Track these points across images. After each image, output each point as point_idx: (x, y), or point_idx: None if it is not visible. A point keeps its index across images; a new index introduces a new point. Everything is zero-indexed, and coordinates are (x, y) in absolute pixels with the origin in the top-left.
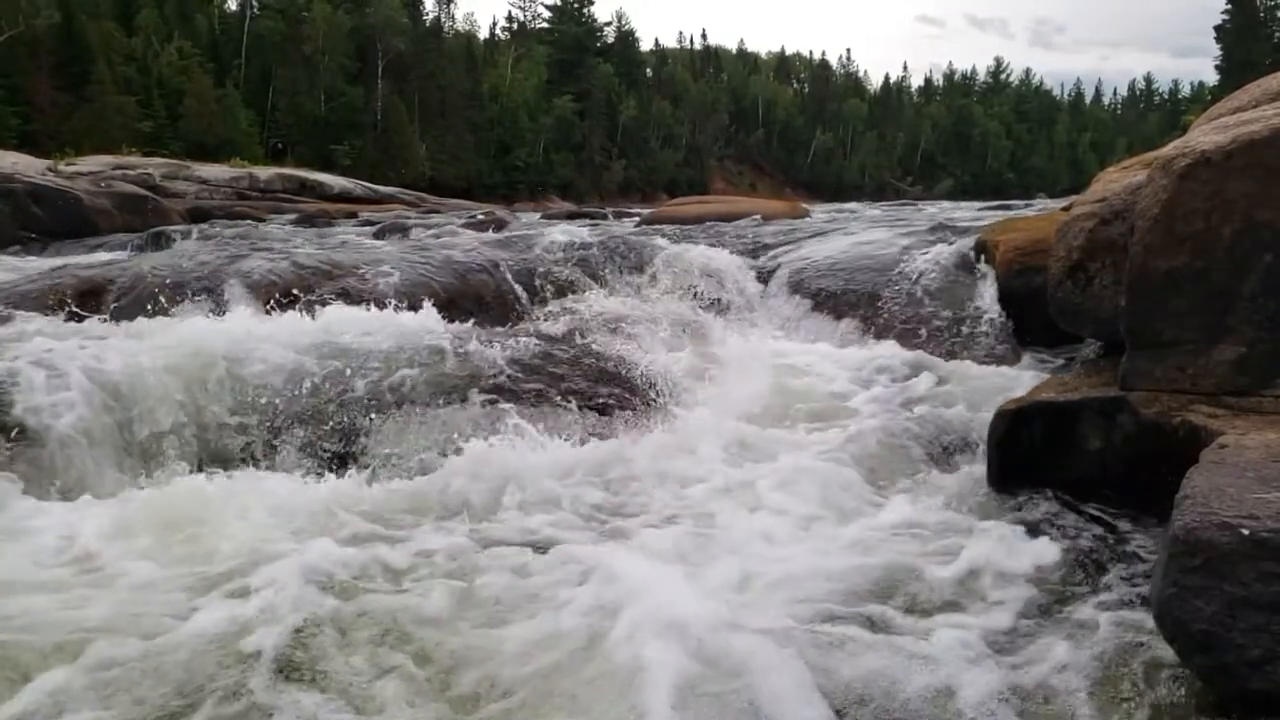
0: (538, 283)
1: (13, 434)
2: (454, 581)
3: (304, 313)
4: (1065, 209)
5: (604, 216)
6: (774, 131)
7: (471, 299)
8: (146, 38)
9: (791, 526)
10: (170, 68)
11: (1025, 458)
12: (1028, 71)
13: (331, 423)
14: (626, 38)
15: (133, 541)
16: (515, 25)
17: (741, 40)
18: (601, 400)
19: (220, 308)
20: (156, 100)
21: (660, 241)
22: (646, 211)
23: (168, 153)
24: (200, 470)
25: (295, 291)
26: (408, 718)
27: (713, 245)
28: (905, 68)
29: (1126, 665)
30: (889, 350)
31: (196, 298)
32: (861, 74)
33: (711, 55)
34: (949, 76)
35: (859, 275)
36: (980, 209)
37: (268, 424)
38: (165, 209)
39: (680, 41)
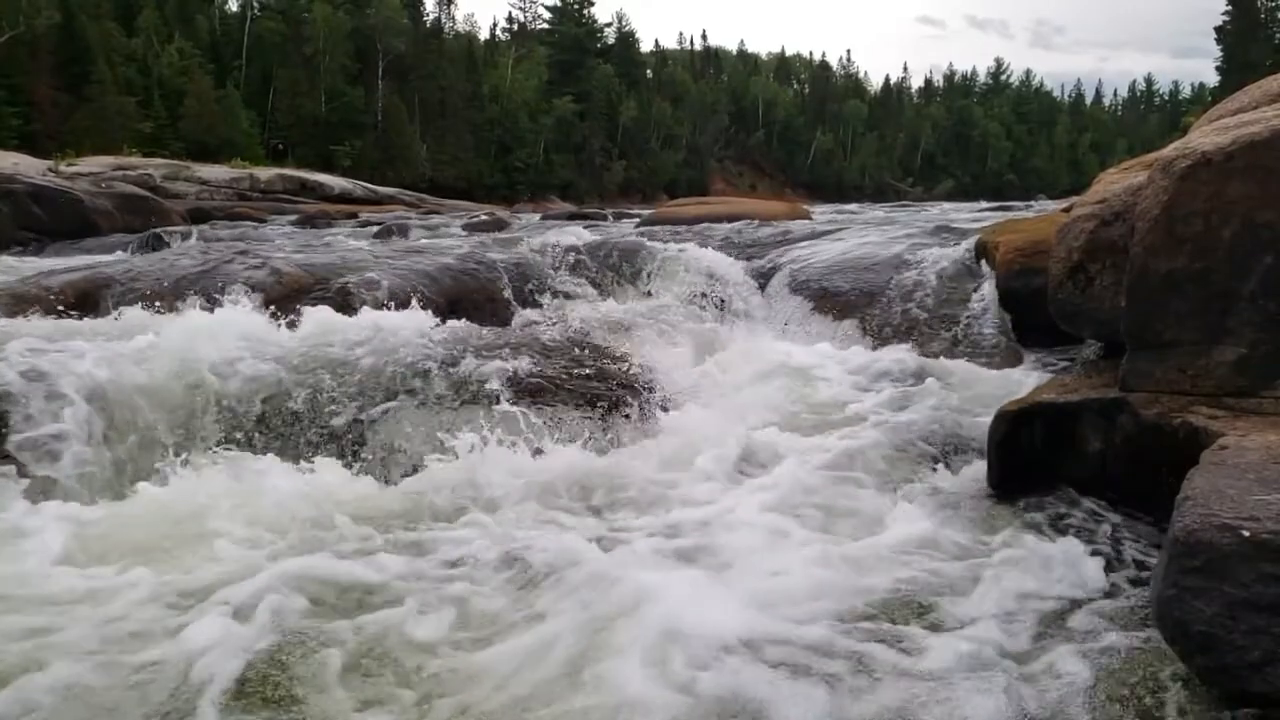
0: (533, 285)
1: None
2: (439, 596)
3: (294, 316)
4: (1065, 210)
5: (604, 217)
6: (774, 132)
7: (467, 301)
8: (147, 38)
9: (792, 534)
10: (171, 68)
11: (1025, 459)
12: (1028, 72)
13: (315, 428)
14: (627, 39)
15: (105, 554)
16: (515, 26)
17: (742, 41)
18: (598, 404)
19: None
20: (157, 101)
21: (659, 243)
22: (647, 212)
23: (168, 153)
24: (181, 478)
25: (288, 295)
26: None
27: (712, 247)
28: (905, 69)
29: (1126, 666)
30: (890, 351)
31: (191, 297)
32: (861, 75)
33: (712, 56)
34: (949, 77)
35: (859, 277)
36: (980, 210)
37: (250, 427)
38: (166, 210)
39: (680, 42)
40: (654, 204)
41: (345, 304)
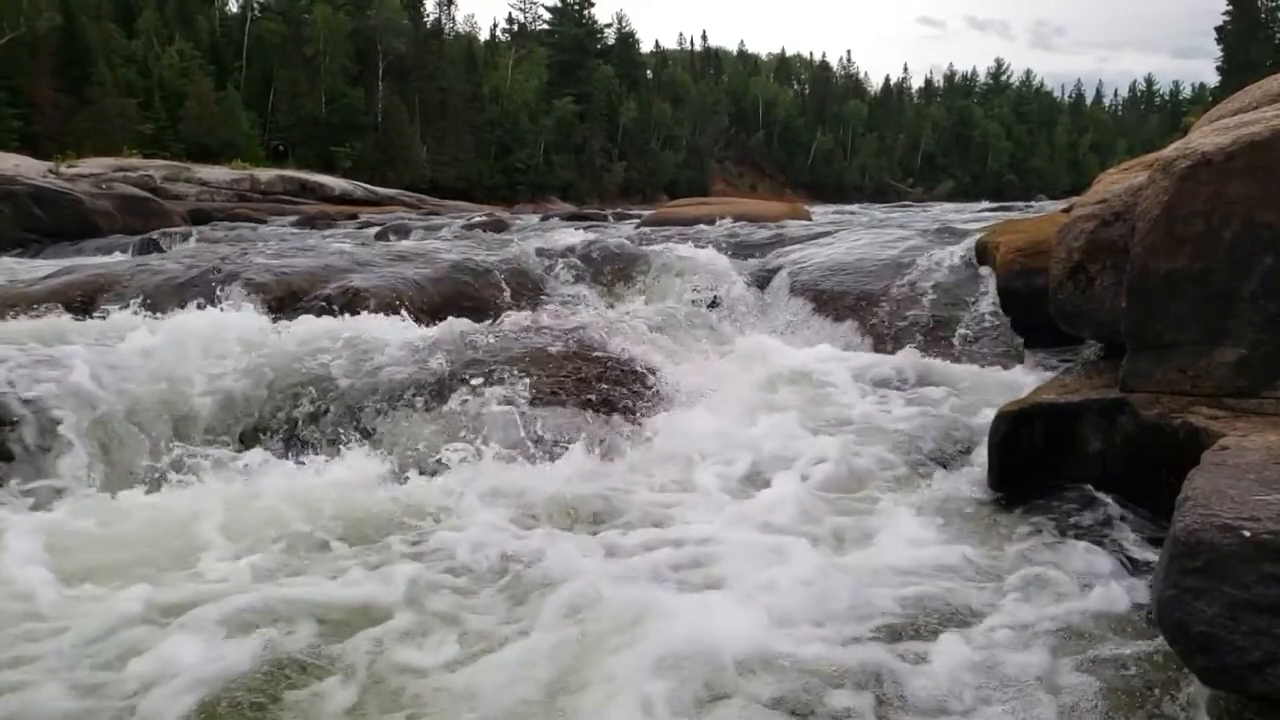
0: (530, 288)
1: None
2: (429, 611)
3: (286, 319)
4: (1065, 211)
5: (604, 218)
6: (774, 133)
7: (462, 306)
8: (147, 40)
9: (793, 545)
10: (171, 70)
11: (1026, 460)
12: (1028, 73)
13: (308, 431)
14: (627, 39)
15: (91, 567)
16: (516, 27)
17: (742, 42)
18: (596, 406)
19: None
20: (157, 102)
21: (658, 245)
22: (647, 213)
23: (169, 155)
24: (170, 484)
25: (283, 297)
26: None
27: (712, 248)
28: (905, 69)
29: (1126, 666)
30: (889, 352)
31: (191, 300)
32: (862, 75)
33: (712, 57)
34: (949, 78)
35: (859, 278)
36: (980, 210)
37: (241, 430)
38: (166, 211)
39: (681, 43)
40: (654, 205)
41: (330, 311)
